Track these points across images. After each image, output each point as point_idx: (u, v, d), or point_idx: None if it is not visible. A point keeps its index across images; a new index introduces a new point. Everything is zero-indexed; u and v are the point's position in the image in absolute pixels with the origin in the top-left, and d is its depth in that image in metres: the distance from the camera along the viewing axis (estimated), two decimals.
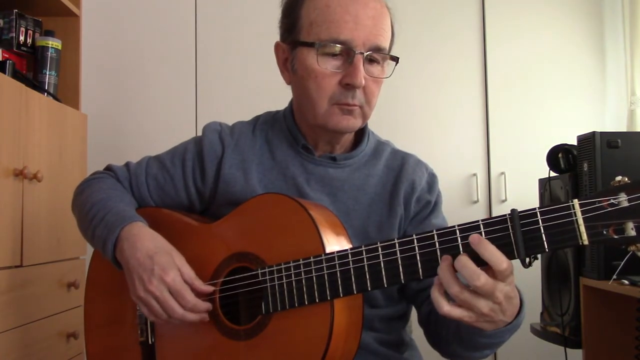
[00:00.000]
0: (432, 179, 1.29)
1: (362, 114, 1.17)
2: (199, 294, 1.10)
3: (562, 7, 2.85)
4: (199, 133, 1.30)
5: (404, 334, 1.30)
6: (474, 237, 0.89)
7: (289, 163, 1.24)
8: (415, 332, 1.35)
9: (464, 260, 0.89)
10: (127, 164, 1.33)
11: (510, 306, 0.93)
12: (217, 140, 1.26)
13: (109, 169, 1.34)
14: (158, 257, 1.08)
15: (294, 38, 1.18)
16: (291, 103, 1.29)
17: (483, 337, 0.99)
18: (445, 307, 0.91)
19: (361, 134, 1.28)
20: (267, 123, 1.30)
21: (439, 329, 1.16)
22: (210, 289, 1.11)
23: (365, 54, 1.13)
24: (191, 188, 1.27)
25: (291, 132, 1.26)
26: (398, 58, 1.18)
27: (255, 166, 1.24)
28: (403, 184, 1.24)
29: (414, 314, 1.30)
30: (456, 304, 0.91)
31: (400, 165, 1.27)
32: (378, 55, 1.15)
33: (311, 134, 1.24)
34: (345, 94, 1.14)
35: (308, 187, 1.22)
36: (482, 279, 0.88)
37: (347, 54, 1.13)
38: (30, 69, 2.13)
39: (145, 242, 1.11)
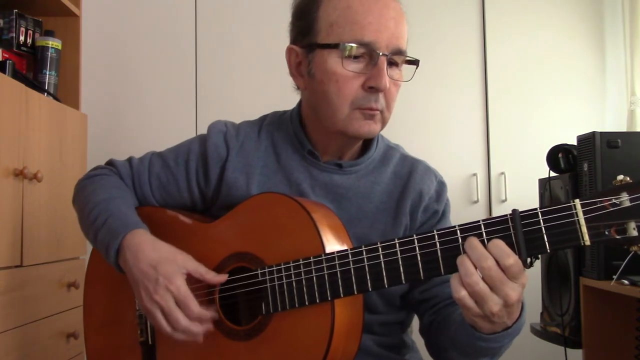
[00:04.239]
0: (440, 188, 1.25)
1: (382, 119, 1.14)
2: (214, 284, 1.10)
3: (562, 7, 2.84)
4: (199, 133, 1.28)
5: (405, 337, 1.28)
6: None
7: (293, 168, 1.21)
8: (415, 333, 1.35)
9: (498, 242, 0.89)
10: (130, 160, 1.30)
11: (517, 310, 0.93)
12: (221, 142, 1.23)
13: (111, 164, 1.31)
14: (161, 266, 1.07)
15: (311, 40, 1.14)
16: (299, 106, 1.25)
17: (481, 341, 0.97)
18: (462, 292, 0.89)
19: (370, 138, 1.24)
20: (273, 124, 1.27)
21: (439, 338, 1.14)
22: (224, 277, 1.10)
23: (388, 56, 1.10)
24: (194, 189, 1.25)
25: (297, 136, 1.22)
26: (418, 61, 1.15)
27: (260, 169, 1.22)
28: (410, 193, 1.21)
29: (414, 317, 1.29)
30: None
31: (409, 172, 1.24)
32: (398, 57, 1.12)
33: (322, 139, 1.20)
34: (368, 97, 1.10)
35: (313, 193, 1.19)
36: (512, 258, 0.87)
37: (370, 56, 1.09)
38: (30, 69, 2.12)
39: (147, 251, 1.10)
